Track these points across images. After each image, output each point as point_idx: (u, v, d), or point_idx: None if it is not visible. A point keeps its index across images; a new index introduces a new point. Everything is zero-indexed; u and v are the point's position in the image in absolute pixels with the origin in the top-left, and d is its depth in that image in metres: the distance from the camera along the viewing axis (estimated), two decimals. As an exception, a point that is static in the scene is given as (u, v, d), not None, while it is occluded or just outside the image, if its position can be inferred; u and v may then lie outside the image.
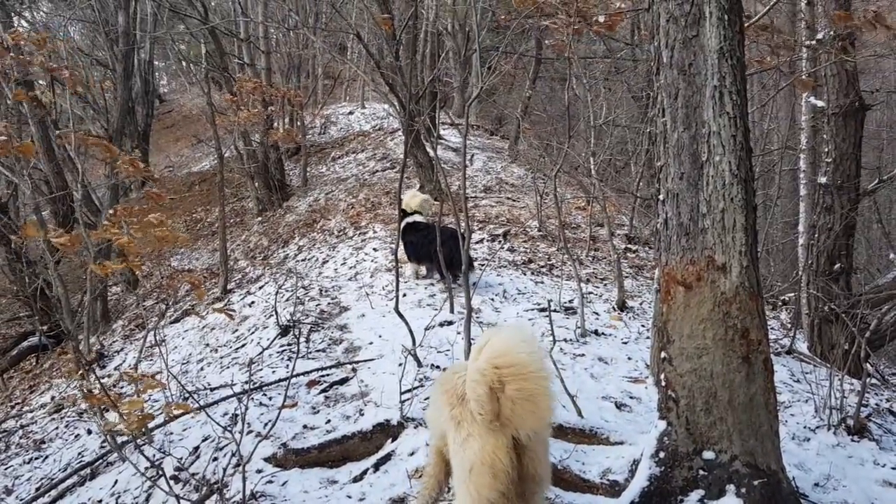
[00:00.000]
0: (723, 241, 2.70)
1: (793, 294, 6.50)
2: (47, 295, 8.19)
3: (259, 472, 3.34)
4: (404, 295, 5.70)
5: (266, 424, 3.64)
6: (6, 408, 7.01)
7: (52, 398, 6.39)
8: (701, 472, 2.71)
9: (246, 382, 4.38)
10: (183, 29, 16.46)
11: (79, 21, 15.99)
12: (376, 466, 3.34)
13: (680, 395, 2.78)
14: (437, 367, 4.29)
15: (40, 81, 8.58)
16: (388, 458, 3.38)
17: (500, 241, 7.66)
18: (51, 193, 9.00)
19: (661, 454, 2.80)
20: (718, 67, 2.70)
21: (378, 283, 6.48)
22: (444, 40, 14.90)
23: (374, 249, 7.60)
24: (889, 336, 5.17)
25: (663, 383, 2.86)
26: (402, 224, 5.92)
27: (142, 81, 16.04)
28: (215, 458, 3.60)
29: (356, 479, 3.29)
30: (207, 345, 6.19)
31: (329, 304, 6.12)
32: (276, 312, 5.51)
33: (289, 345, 5.11)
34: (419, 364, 4.27)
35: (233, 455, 3.40)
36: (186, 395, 4.18)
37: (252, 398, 4.05)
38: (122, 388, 5.58)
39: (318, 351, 4.99)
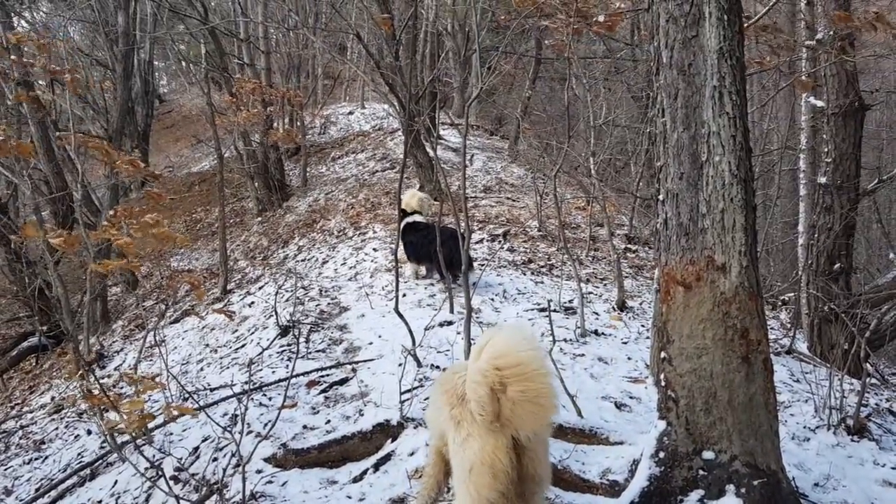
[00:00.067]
0: (722, 241, 2.70)
1: (792, 294, 6.50)
2: (47, 295, 8.19)
3: (259, 472, 3.34)
4: (404, 295, 5.70)
5: (266, 425, 3.64)
6: (6, 408, 7.00)
7: (52, 398, 6.39)
8: (701, 472, 2.71)
9: (246, 383, 4.38)
10: (183, 29, 16.46)
11: (78, 21, 16.00)
12: (376, 467, 3.34)
13: (680, 395, 2.78)
14: (437, 367, 4.29)
15: (40, 82, 8.57)
16: (387, 458, 3.38)
17: (499, 241, 7.66)
18: (50, 194, 9.00)
19: (661, 454, 2.80)
20: (718, 68, 2.70)
21: (378, 283, 6.48)
22: (443, 40, 14.90)
23: (374, 249, 7.60)
24: (889, 336, 5.17)
25: (663, 383, 2.86)
26: (402, 224, 5.92)
27: (141, 82, 16.04)
28: (215, 459, 3.60)
29: (356, 480, 3.29)
30: (207, 345, 6.19)
31: (329, 304, 6.12)
32: (276, 313, 5.51)
33: (288, 345, 5.11)
34: (419, 364, 4.27)
35: (233, 455, 3.40)
36: (186, 395, 4.18)
37: (252, 398, 4.05)
38: (121, 388, 5.58)
39: (317, 351, 4.99)
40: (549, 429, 2.41)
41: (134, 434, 3.38)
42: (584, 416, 3.59)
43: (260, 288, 7.47)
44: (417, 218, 6.23)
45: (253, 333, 5.89)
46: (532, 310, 5.52)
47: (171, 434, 4.05)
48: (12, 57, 5.59)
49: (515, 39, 14.23)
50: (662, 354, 2.87)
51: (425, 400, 3.65)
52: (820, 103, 5.66)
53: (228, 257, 8.76)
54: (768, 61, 4.90)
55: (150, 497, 3.47)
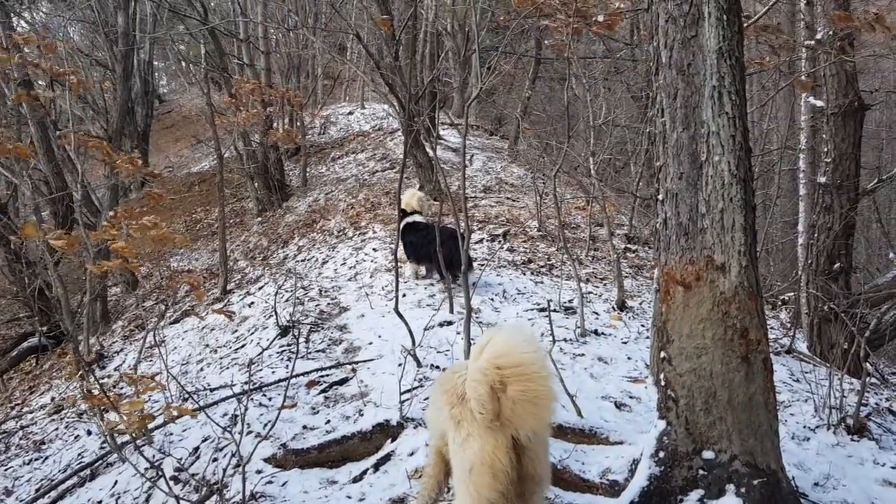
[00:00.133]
0: (722, 241, 2.70)
1: (792, 293, 6.50)
2: (47, 296, 8.19)
3: (259, 472, 3.35)
4: (404, 295, 5.70)
5: (266, 425, 3.64)
6: (6, 409, 7.00)
7: (52, 399, 6.39)
8: (700, 471, 2.71)
9: (245, 383, 4.38)
10: (182, 29, 16.44)
11: (78, 21, 15.99)
12: (376, 467, 3.34)
13: (679, 395, 2.78)
14: (437, 367, 4.29)
15: (40, 82, 8.57)
16: (387, 458, 3.38)
17: (499, 241, 7.66)
18: (50, 194, 9.00)
19: (661, 454, 2.80)
20: (717, 67, 2.70)
21: (378, 283, 6.48)
22: (443, 40, 14.90)
23: (374, 250, 7.60)
24: (889, 335, 5.17)
25: (663, 383, 2.86)
26: (402, 224, 5.92)
27: (141, 82, 16.04)
28: (215, 459, 3.60)
29: (356, 480, 3.29)
30: (207, 345, 6.19)
31: (329, 304, 6.12)
32: (276, 313, 5.52)
33: (288, 345, 5.11)
34: (419, 364, 4.27)
35: (232, 455, 3.40)
36: (186, 395, 4.18)
37: (252, 399, 4.05)
38: (121, 388, 5.58)
39: (317, 351, 4.99)
40: (548, 429, 2.41)
41: (134, 434, 3.38)
42: (584, 415, 3.60)
43: (260, 288, 7.47)
44: (417, 218, 6.23)
45: (253, 334, 5.89)
46: (532, 310, 5.52)
47: (171, 434, 4.05)
48: (16, 58, 5.57)
49: (515, 39, 14.23)
50: (662, 354, 2.87)
51: (425, 400, 3.65)
52: (819, 103, 5.66)
53: (228, 257, 8.76)
54: (768, 61, 4.90)
55: (151, 497, 3.47)
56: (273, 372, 4.63)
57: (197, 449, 3.82)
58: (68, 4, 15.53)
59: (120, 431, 3.57)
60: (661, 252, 2.93)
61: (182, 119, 22.80)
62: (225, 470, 3.34)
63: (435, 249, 5.31)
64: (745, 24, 3.69)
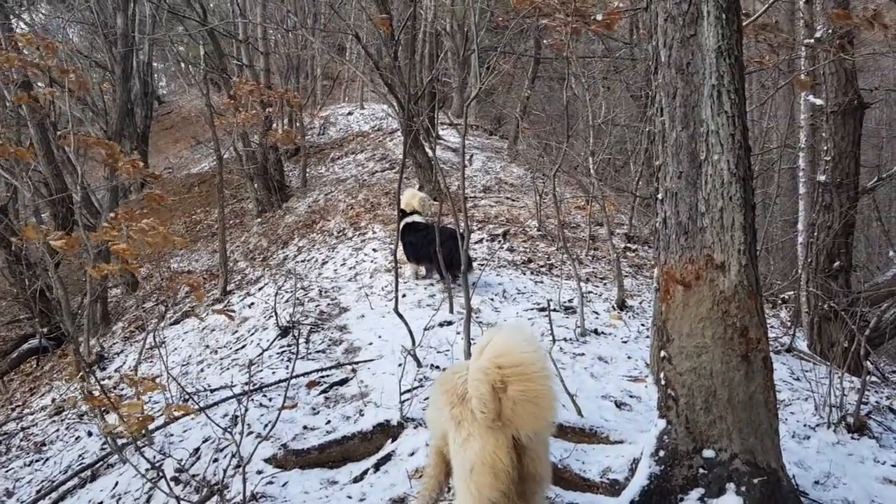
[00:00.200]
0: (721, 240, 2.70)
1: (792, 292, 6.51)
2: (47, 297, 8.20)
3: (259, 473, 3.35)
4: (404, 295, 5.70)
5: (266, 425, 3.64)
6: (7, 410, 7.01)
7: (53, 400, 6.40)
8: (701, 470, 2.71)
9: (246, 384, 4.38)
10: (182, 30, 16.45)
11: (77, 23, 15.99)
12: (376, 467, 3.34)
13: (679, 394, 2.78)
14: (437, 367, 4.29)
15: (39, 84, 8.58)
16: (388, 458, 3.38)
17: (499, 241, 7.66)
18: (50, 196, 9.01)
19: (661, 453, 2.80)
20: (716, 66, 2.70)
21: (378, 283, 6.48)
22: (442, 40, 14.90)
23: (374, 250, 7.60)
24: (889, 334, 5.18)
25: (663, 382, 2.86)
26: (402, 224, 5.92)
27: (141, 83, 16.03)
28: (215, 460, 3.60)
29: (356, 480, 3.29)
30: (207, 346, 6.19)
31: (329, 304, 6.12)
32: (276, 313, 5.52)
33: (288, 346, 5.11)
34: (419, 364, 4.27)
35: (233, 456, 3.40)
36: (186, 396, 4.18)
37: (252, 399, 4.05)
38: (122, 389, 5.58)
39: (317, 352, 4.99)
40: (549, 429, 2.41)
41: (134, 435, 3.38)
42: (584, 415, 3.60)
43: (260, 289, 7.47)
44: (417, 218, 6.23)
45: (253, 334, 5.89)
46: (532, 309, 5.52)
47: (172, 435, 4.05)
48: (18, 59, 5.56)
49: (514, 39, 14.23)
50: (662, 353, 2.88)
51: (425, 400, 3.65)
52: (819, 101, 5.67)
53: (228, 258, 8.76)
54: (767, 60, 4.90)
55: (151, 498, 3.47)
56: (273, 372, 4.63)
57: (197, 450, 3.82)
58: (67, 6, 15.54)
59: (120, 433, 3.57)
60: (660, 251, 2.93)
61: (181, 120, 22.81)
62: (225, 470, 3.34)
63: (435, 249, 5.31)
64: (744, 23, 3.69)
